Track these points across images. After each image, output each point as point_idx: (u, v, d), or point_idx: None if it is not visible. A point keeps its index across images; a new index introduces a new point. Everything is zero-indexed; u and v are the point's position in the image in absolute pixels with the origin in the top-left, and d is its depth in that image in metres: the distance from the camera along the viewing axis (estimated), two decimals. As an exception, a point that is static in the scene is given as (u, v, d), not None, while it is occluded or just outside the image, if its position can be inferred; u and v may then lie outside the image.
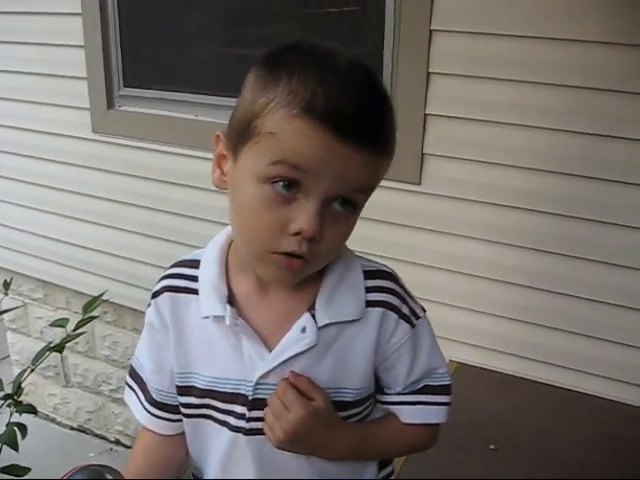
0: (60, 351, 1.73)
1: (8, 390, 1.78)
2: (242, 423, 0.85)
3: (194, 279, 0.87)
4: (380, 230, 1.95)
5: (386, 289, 0.86)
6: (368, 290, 0.85)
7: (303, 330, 0.82)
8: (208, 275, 0.86)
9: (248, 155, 0.74)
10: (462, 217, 1.87)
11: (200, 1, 2.22)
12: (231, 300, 0.84)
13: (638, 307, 1.72)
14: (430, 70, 1.78)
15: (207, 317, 0.84)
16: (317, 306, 0.83)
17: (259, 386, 0.83)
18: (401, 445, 0.95)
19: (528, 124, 1.71)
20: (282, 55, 0.75)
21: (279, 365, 0.82)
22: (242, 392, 0.84)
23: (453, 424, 1.66)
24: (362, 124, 0.71)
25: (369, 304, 0.85)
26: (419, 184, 1.88)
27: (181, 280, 0.88)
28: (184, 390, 0.88)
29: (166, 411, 0.92)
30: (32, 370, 1.75)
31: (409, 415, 0.91)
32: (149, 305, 0.91)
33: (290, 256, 0.75)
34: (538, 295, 1.83)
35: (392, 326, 0.85)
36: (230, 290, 0.85)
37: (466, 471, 1.55)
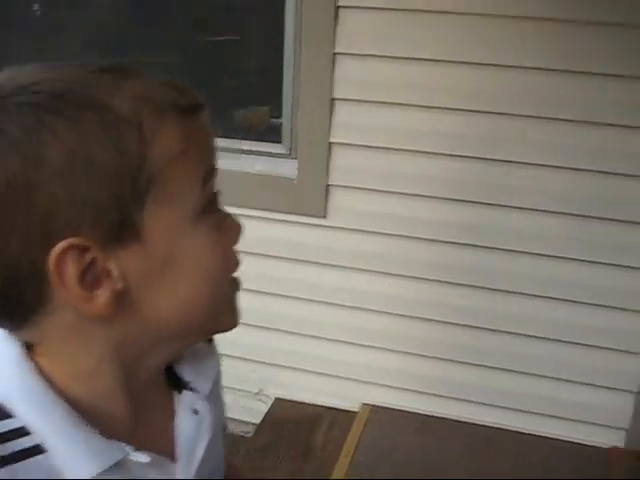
0: None
1: None
2: None
3: (21, 433, 0.50)
4: (281, 267, 1.78)
5: None
6: None
7: (195, 412, 0.61)
8: (47, 413, 0.51)
9: (160, 210, 0.51)
10: (370, 251, 1.76)
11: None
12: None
13: (556, 338, 1.71)
14: (333, 96, 1.67)
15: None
16: (187, 377, 0.62)
17: None
18: None
19: (439, 151, 1.66)
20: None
21: (197, 471, 0.59)
22: None
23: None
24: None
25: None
26: (324, 217, 1.75)
27: (6, 443, 0.50)
28: None
29: None
30: None
31: None
32: None
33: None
34: (452, 330, 1.77)
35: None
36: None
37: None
